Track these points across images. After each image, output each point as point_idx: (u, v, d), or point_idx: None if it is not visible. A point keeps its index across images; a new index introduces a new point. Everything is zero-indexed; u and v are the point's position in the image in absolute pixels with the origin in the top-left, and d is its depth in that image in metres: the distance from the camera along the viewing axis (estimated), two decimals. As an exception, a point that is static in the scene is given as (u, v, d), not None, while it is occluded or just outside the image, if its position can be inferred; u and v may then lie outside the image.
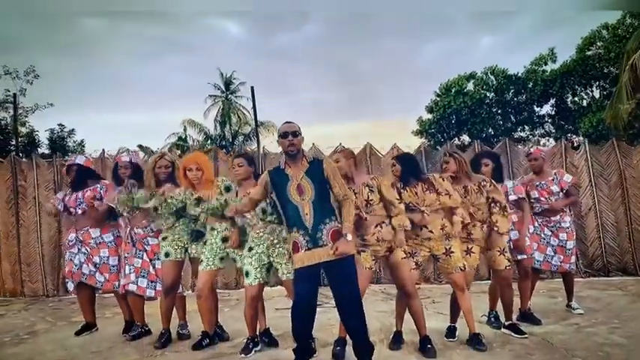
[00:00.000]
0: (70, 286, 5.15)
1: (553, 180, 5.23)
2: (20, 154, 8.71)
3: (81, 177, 5.10)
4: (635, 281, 7.36)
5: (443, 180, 4.22)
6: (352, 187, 3.98)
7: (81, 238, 5.05)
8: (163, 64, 57.55)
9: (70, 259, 5.07)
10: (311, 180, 3.60)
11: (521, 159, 7.81)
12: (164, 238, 4.62)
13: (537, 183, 5.24)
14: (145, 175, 4.77)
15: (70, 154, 19.55)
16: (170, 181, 4.67)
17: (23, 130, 21.54)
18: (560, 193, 5.24)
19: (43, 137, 22.70)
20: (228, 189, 4.41)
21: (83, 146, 23.03)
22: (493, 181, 4.49)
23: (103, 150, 8.43)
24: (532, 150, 5.42)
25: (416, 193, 4.13)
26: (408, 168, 4.24)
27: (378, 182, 4.06)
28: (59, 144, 22.15)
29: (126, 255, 4.83)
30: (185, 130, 28.36)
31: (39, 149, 20.66)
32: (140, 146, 22.94)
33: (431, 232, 4.11)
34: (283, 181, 3.63)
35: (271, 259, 4.18)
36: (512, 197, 4.83)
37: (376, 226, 3.97)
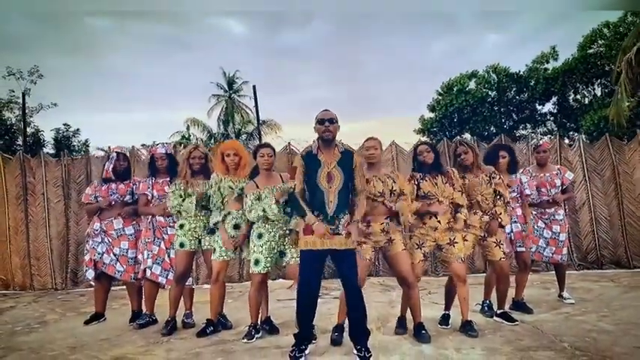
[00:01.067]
0: (90, 274, 5.32)
1: (557, 174, 5.45)
2: (27, 154, 8.91)
3: (126, 170, 5.38)
4: (628, 273, 7.54)
5: (459, 177, 4.41)
6: (377, 175, 4.17)
7: (104, 228, 5.26)
8: (167, 63, 57.88)
9: (94, 247, 5.26)
10: (341, 169, 3.78)
11: (518, 155, 7.96)
12: (181, 226, 4.81)
13: (542, 175, 5.43)
14: (180, 165, 4.96)
15: (74, 153, 19.76)
16: (203, 173, 4.87)
17: (28, 129, 21.70)
18: (560, 188, 5.44)
19: (48, 137, 22.94)
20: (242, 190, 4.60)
21: (88, 145, 23.20)
22: (505, 174, 4.71)
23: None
24: (541, 142, 5.61)
25: (436, 184, 4.32)
26: (437, 158, 4.42)
27: (396, 174, 4.28)
28: (64, 143, 22.35)
29: (146, 240, 5.06)
30: (188, 128, 28.55)
31: (44, 149, 20.83)
32: (144, 145, 23.12)
33: (439, 222, 4.29)
34: (315, 166, 3.79)
35: (282, 247, 4.40)
36: (527, 192, 5.08)
37: (386, 217, 4.15)
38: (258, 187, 4.38)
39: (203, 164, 4.89)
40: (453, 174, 4.40)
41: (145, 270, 5.05)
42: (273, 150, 4.58)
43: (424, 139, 20.82)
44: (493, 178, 4.56)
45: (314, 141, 3.98)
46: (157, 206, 5.04)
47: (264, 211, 4.29)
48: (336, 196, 3.74)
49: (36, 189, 8.58)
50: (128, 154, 5.60)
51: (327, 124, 3.77)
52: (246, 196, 4.40)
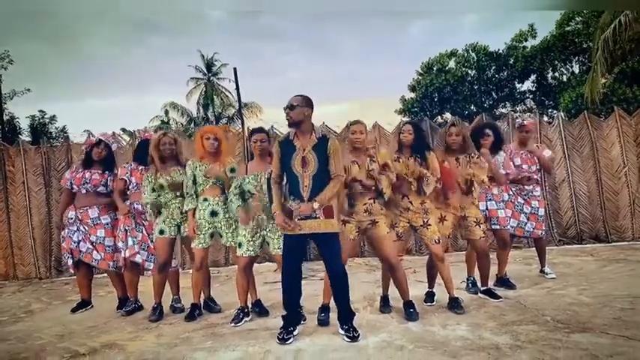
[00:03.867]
0: (70, 261, 5.30)
1: (539, 150, 5.56)
2: (3, 142, 8.80)
3: (106, 159, 5.29)
4: (607, 247, 7.75)
5: (434, 159, 4.42)
6: (357, 160, 4.19)
7: (80, 217, 5.21)
8: (145, 48, 56.96)
9: (69, 236, 5.22)
10: (316, 155, 3.80)
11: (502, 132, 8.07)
12: (158, 213, 4.80)
13: (522, 152, 5.52)
14: (150, 153, 4.86)
15: (51, 140, 19.44)
16: (174, 159, 4.83)
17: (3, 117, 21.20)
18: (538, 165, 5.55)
19: (23, 124, 22.48)
20: (233, 170, 4.61)
21: (65, 132, 22.83)
22: (485, 155, 4.77)
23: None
24: (525, 122, 5.65)
25: (407, 166, 4.36)
26: (419, 139, 4.45)
27: (377, 149, 4.30)
28: (41, 130, 21.97)
29: (126, 228, 5.03)
30: (167, 113, 28.27)
31: (20, 136, 20.42)
32: (124, 130, 22.86)
33: (410, 202, 4.35)
34: (290, 151, 3.82)
35: (264, 232, 4.39)
36: (501, 171, 5.11)
37: (369, 199, 4.18)
38: (247, 172, 4.39)
39: (173, 150, 4.83)
40: (430, 156, 4.39)
41: (129, 257, 5.00)
42: (268, 134, 4.54)
43: (406, 119, 20.92)
44: (472, 157, 4.62)
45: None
46: (122, 207, 5.01)
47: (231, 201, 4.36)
48: (311, 181, 3.76)
49: (16, 177, 8.49)
50: (114, 146, 5.48)
51: (287, 110, 3.80)
52: (234, 182, 4.41)
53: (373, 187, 4.16)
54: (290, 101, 3.82)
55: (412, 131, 4.43)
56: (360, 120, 4.30)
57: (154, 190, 4.73)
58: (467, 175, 4.55)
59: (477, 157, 4.64)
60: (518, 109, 22.71)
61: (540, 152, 5.56)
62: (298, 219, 3.74)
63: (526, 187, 5.49)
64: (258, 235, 4.39)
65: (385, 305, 4.56)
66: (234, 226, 4.60)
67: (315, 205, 3.71)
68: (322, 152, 3.82)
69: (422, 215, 4.38)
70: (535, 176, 5.49)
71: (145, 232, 5.03)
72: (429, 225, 4.36)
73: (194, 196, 4.61)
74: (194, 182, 4.63)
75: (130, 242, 5.01)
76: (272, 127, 8.43)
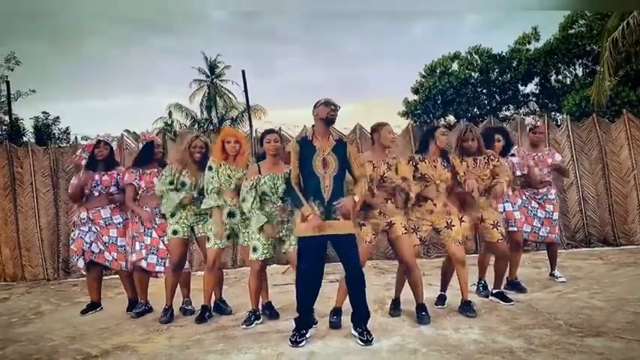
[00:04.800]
0: (81, 263, 5.27)
1: (548, 155, 5.55)
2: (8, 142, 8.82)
3: (108, 158, 5.29)
4: (615, 251, 7.73)
5: (460, 163, 4.47)
6: (372, 160, 4.24)
7: (91, 217, 5.21)
8: (149, 49, 57.05)
9: (81, 237, 5.21)
10: (336, 156, 3.84)
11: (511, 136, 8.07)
12: (172, 215, 4.79)
13: (535, 154, 5.51)
14: (181, 154, 4.91)
15: (56, 141, 19.42)
16: (201, 163, 4.78)
17: (6, 118, 21.19)
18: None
19: (27, 125, 22.45)
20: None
21: (68, 134, 22.77)
22: (499, 156, 4.79)
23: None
24: (538, 124, 5.62)
25: (435, 167, 4.38)
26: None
27: (397, 162, 4.29)
28: (44, 131, 21.95)
29: (134, 234, 5.03)
30: (170, 115, 28.25)
31: (24, 138, 20.41)
32: (127, 131, 22.83)
33: (434, 204, 4.36)
34: (310, 152, 3.84)
35: (280, 234, 4.39)
36: (517, 173, 5.17)
37: (385, 199, 4.19)
38: (260, 172, 4.34)
39: (204, 154, 4.83)
40: (455, 161, 4.47)
41: (136, 262, 5.00)
42: (280, 135, 4.57)
43: (410, 121, 20.93)
44: (492, 160, 4.62)
45: (304, 126, 4.02)
46: (145, 212, 4.99)
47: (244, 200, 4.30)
48: (332, 182, 3.80)
49: (24, 179, 8.50)
50: (114, 144, 5.49)
51: (332, 106, 3.86)
52: (246, 180, 4.36)
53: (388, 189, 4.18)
54: (332, 101, 3.89)
55: (447, 135, 4.49)
56: (387, 122, 4.35)
57: (171, 183, 4.72)
58: (483, 176, 4.55)
59: (497, 160, 4.64)
60: (521, 111, 22.66)
61: (553, 158, 5.55)
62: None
63: (540, 190, 5.47)
64: (273, 237, 4.39)
65: (395, 308, 4.56)
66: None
67: (356, 198, 3.78)
68: (341, 154, 3.87)
69: (445, 217, 4.38)
70: (548, 178, 5.48)
71: (155, 234, 5.01)
72: (453, 226, 4.36)
73: (217, 195, 4.52)
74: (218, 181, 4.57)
75: (138, 247, 5.00)
76: (280, 128, 8.43)
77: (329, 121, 3.89)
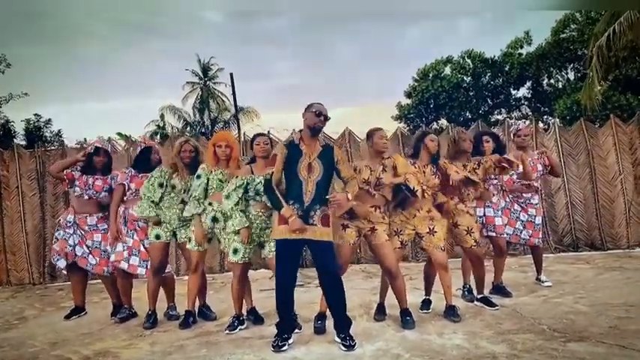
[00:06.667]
0: (62, 263, 5.22)
1: (538, 159, 5.56)
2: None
3: (106, 165, 5.28)
4: (602, 255, 7.75)
5: (450, 167, 4.44)
6: (369, 164, 4.25)
7: (77, 222, 5.19)
8: (141, 52, 56.93)
9: (64, 239, 5.17)
10: (322, 162, 3.84)
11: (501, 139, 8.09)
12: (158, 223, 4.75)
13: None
14: (172, 159, 4.87)
15: (46, 144, 19.29)
16: (191, 167, 4.76)
17: (-1, 121, 20.99)
18: (542, 172, 5.58)
19: (18, 128, 22.26)
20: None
21: (61, 136, 22.62)
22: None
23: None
24: (521, 127, 5.61)
25: (424, 172, 4.37)
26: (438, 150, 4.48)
27: (393, 160, 4.28)
28: (36, 134, 21.80)
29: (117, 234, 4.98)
30: (162, 117, 28.15)
31: (15, 140, 20.25)
32: (119, 134, 22.73)
33: (418, 210, 4.34)
34: (296, 156, 3.84)
35: (261, 239, 4.38)
36: (506, 177, 5.20)
37: (371, 206, 4.18)
38: (253, 172, 4.34)
39: (193, 158, 4.81)
40: (445, 165, 4.45)
41: (115, 262, 4.96)
42: (270, 139, 4.62)
43: (403, 125, 20.98)
44: (482, 164, 4.62)
45: (294, 130, 4.02)
46: (113, 221, 4.97)
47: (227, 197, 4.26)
48: (314, 187, 3.79)
49: (10, 182, 8.44)
50: (109, 149, 5.46)
51: (322, 118, 3.85)
52: (235, 177, 4.32)
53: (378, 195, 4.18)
54: (324, 112, 3.88)
55: (437, 141, 4.46)
56: (380, 127, 4.38)
57: (161, 185, 4.68)
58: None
59: (487, 163, 4.63)
60: (513, 115, 22.75)
61: (550, 157, 5.58)
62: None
63: (524, 194, 5.48)
64: (255, 241, 4.37)
65: (380, 313, 4.55)
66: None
67: (350, 196, 3.78)
68: (327, 160, 3.88)
69: (428, 222, 4.37)
70: (535, 184, 5.49)
71: (136, 236, 4.98)
72: (435, 232, 4.35)
73: (201, 202, 4.50)
74: (205, 188, 4.53)
75: (119, 248, 4.96)
76: (269, 131, 8.41)
77: (315, 130, 3.88)
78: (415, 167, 4.37)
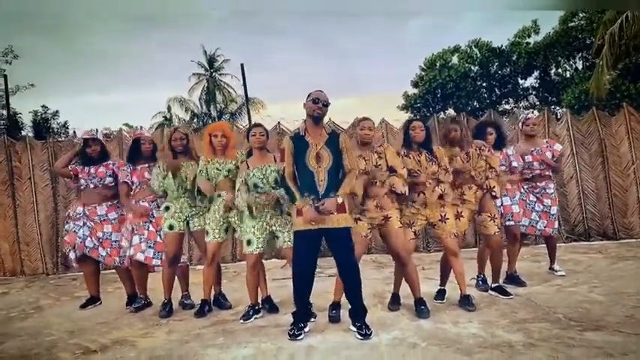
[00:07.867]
0: (73, 255, 5.26)
1: (547, 147, 5.51)
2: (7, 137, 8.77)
3: (102, 152, 5.29)
4: (615, 244, 7.73)
5: (443, 155, 4.43)
6: (363, 154, 4.21)
7: (87, 213, 5.21)
8: (150, 43, 56.88)
9: (74, 231, 5.20)
10: (329, 150, 3.83)
11: (505, 129, 8.05)
12: (167, 209, 4.81)
13: (532, 149, 5.48)
14: (162, 148, 4.95)
15: (55, 135, 19.35)
16: (185, 154, 4.87)
17: (4, 112, 21.03)
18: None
19: (26, 120, 22.36)
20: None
21: (67, 128, 22.71)
22: (492, 148, 4.77)
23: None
24: (529, 116, 5.61)
25: (419, 161, 4.35)
26: (428, 136, 4.44)
27: (384, 148, 4.29)
28: (43, 126, 21.88)
29: (133, 226, 5.02)
30: (169, 109, 28.19)
31: (22, 132, 20.32)
32: (127, 125, 22.78)
33: (427, 198, 4.33)
34: (303, 147, 3.84)
35: (273, 228, 4.39)
36: (514, 164, 5.20)
37: (382, 195, 4.18)
38: (248, 167, 4.39)
39: (185, 145, 4.88)
40: (439, 152, 4.43)
41: (133, 255, 5.00)
42: (265, 129, 4.60)
43: (409, 115, 20.91)
44: (482, 150, 4.61)
45: (302, 121, 4.01)
46: (136, 208, 5.02)
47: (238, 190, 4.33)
48: (326, 176, 3.79)
49: (22, 173, 8.49)
50: (101, 136, 5.40)
51: (320, 104, 3.83)
52: (239, 177, 4.40)
53: (381, 183, 4.17)
54: (323, 97, 3.85)
55: (423, 128, 4.41)
56: (368, 117, 4.34)
57: (165, 178, 4.71)
58: (479, 168, 4.54)
59: (488, 150, 4.64)
60: (521, 105, 22.62)
61: (552, 149, 5.53)
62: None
63: (538, 184, 5.46)
64: (267, 231, 4.38)
65: (394, 303, 4.55)
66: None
67: (339, 200, 3.74)
68: (334, 147, 3.86)
69: (440, 210, 4.37)
70: (547, 172, 5.47)
71: (151, 228, 5.01)
72: (447, 219, 4.36)
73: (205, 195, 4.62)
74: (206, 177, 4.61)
75: (136, 240, 5.00)
76: (279, 123, 8.40)
77: (316, 118, 3.86)
78: (409, 158, 4.36)
